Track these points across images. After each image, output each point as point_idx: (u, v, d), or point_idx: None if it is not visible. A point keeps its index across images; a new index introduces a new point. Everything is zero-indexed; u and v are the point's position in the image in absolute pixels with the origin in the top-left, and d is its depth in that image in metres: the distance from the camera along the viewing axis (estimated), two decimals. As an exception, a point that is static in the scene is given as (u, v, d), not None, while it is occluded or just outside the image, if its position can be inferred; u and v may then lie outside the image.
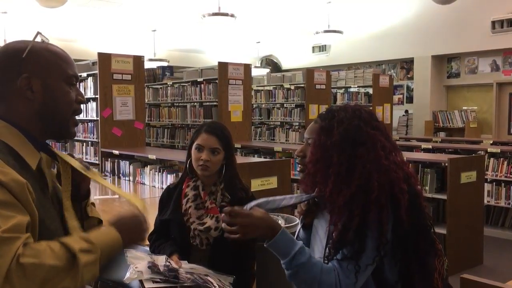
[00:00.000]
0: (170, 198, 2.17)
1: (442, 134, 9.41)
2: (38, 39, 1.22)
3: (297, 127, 7.98)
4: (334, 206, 1.41)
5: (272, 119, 8.62)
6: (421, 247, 1.43)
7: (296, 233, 1.70)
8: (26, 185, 1.05)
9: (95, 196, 4.11)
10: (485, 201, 5.49)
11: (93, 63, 5.94)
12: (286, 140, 7.96)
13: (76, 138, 6.23)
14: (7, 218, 0.98)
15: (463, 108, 9.65)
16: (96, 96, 5.63)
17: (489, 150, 5.94)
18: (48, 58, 1.19)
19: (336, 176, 1.40)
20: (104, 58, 5.57)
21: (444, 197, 4.55)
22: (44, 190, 1.17)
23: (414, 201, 1.44)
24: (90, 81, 5.88)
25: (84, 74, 5.98)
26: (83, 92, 6.00)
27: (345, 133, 1.42)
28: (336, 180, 1.40)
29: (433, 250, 1.48)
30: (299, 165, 1.56)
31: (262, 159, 5.12)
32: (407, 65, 10.42)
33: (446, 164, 4.53)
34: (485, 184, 5.36)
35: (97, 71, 5.58)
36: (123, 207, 3.94)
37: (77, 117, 1.28)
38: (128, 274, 1.72)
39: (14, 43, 1.20)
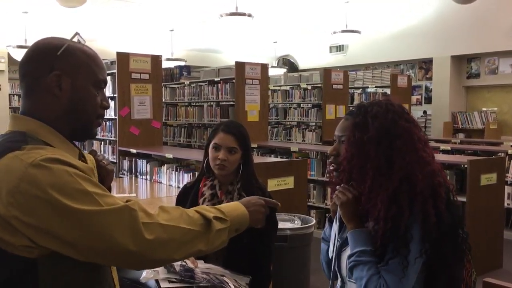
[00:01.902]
0: (187, 197, 2.17)
1: (461, 135, 9.28)
2: (75, 39, 1.23)
3: (313, 127, 7.94)
4: (376, 201, 1.37)
5: (288, 119, 8.60)
6: (450, 255, 1.39)
7: (324, 229, 1.68)
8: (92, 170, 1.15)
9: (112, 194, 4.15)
10: (505, 204, 5.39)
11: (112, 63, 5.99)
12: (302, 140, 7.93)
13: (94, 136, 6.30)
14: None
15: (483, 109, 9.50)
16: (115, 95, 5.68)
17: (509, 152, 5.83)
18: (82, 59, 1.20)
19: (375, 171, 1.38)
20: (123, 58, 5.62)
21: (463, 199, 4.48)
22: None
23: (449, 195, 1.42)
24: (108, 80, 5.92)
25: (103, 73, 6.02)
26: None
27: (381, 127, 1.40)
28: (375, 175, 1.38)
29: (462, 259, 1.43)
30: (332, 164, 1.52)
31: (278, 159, 5.11)
32: (426, 65, 10.30)
33: (466, 166, 4.47)
34: (506, 186, 5.27)
35: (115, 71, 5.63)
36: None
37: None
38: (144, 274, 1.73)
39: (50, 39, 1.20)
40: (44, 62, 1.16)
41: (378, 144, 1.39)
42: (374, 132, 1.40)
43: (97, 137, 6.22)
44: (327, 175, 1.62)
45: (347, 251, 1.48)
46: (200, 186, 2.14)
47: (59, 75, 1.16)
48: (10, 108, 10.66)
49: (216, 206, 1.24)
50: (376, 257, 1.37)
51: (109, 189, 1.36)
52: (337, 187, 1.52)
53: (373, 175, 1.38)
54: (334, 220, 1.59)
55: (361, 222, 1.45)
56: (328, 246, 1.62)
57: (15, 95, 11.48)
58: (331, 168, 1.53)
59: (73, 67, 1.18)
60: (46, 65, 1.15)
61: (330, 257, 1.57)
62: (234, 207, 1.28)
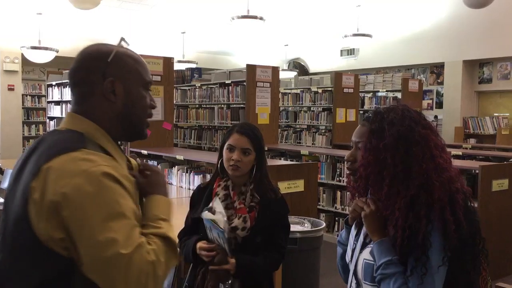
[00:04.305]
0: (201, 197, 2.19)
1: (472, 141, 9.22)
2: (122, 43, 1.29)
3: (323, 131, 7.94)
4: (393, 208, 1.38)
5: (298, 122, 8.60)
6: (468, 262, 1.38)
7: (340, 233, 1.69)
8: (134, 182, 1.17)
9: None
10: (517, 210, 5.34)
11: (124, 64, 6.04)
12: (312, 144, 7.92)
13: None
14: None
15: (495, 114, 9.43)
16: (126, 97, 5.72)
17: (522, 158, 5.78)
18: (130, 63, 1.25)
19: (392, 178, 1.38)
20: (135, 59, 5.66)
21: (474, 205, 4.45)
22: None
23: (466, 201, 1.41)
24: (120, 81, 5.98)
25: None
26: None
27: (398, 134, 1.40)
28: (392, 182, 1.38)
29: (477, 266, 1.43)
30: (348, 170, 1.53)
31: (289, 162, 5.11)
32: (437, 69, 10.25)
33: (477, 171, 4.44)
34: (517, 192, 5.22)
35: (127, 72, 5.67)
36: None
37: None
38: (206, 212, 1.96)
39: (98, 46, 1.25)
40: (96, 70, 1.21)
41: (394, 151, 1.39)
42: (391, 139, 1.40)
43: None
44: (346, 179, 1.62)
45: (362, 254, 1.49)
46: (214, 186, 2.16)
47: (113, 81, 1.21)
48: (23, 108, 10.78)
49: (155, 214, 1.20)
50: (401, 266, 1.37)
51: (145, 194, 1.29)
52: (357, 197, 1.52)
53: (389, 182, 1.38)
54: (353, 226, 1.59)
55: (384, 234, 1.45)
56: (344, 250, 1.63)
57: (28, 96, 11.61)
58: (348, 173, 1.54)
59: (124, 72, 1.24)
60: (98, 72, 1.20)
61: (348, 261, 1.58)
62: (161, 203, 1.25)
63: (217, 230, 1.93)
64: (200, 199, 2.19)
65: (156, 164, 5.26)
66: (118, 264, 1.03)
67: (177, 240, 1.20)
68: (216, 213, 1.94)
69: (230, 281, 1.97)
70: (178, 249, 1.21)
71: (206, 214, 1.95)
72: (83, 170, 1.06)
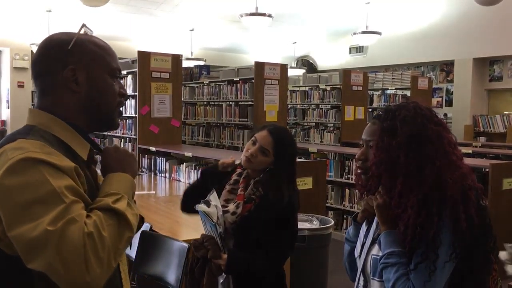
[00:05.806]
0: (221, 176, 2.22)
1: (482, 139, 9.14)
2: (82, 31, 1.22)
3: (332, 129, 7.91)
4: (406, 206, 1.37)
5: (307, 119, 8.58)
6: (478, 260, 1.37)
7: (348, 230, 1.68)
8: (75, 168, 1.07)
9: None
10: (528, 209, 5.29)
11: (133, 61, 6.05)
12: (320, 141, 7.90)
13: (114, 134, 6.38)
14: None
15: (505, 112, 9.34)
16: (135, 94, 5.74)
17: (532, 156, 5.72)
18: (93, 50, 1.19)
19: (405, 176, 1.37)
20: (144, 57, 5.67)
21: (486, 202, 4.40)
22: (94, 178, 1.21)
23: (478, 198, 1.40)
24: (129, 79, 6.00)
25: (124, 72, 6.09)
26: (122, 89, 6.14)
27: (410, 132, 1.38)
28: (406, 180, 1.37)
29: (488, 266, 1.41)
30: (359, 169, 1.51)
31: (297, 159, 5.10)
32: (447, 67, 10.18)
33: (488, 170, 4.40)
34: (528, 191, 5.17)
35: (136, 69, 5.69)
36: (158, 203, 4.00)
37: None
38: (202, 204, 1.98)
39: (58, 35, 1.20)
40: (56, 59, 1.15)
41: (407, 149, 1.37)
42: (403, 137, 1.38)
43: (117, 134, 6.32)
44: (355, 178, 1.60)
45: (371, 250, 1.48)
46: (234, 173, 2.19)
47: (73, 69, 1.15)
48: (32, 105, 10.84)
49: (106, 189, 1.13)
50: (405, 258, 1.36)
51: (106, 170, 1.20)
52: (365, 195, 1.51)
53: (403, 180, 1.37)
54: (364, 223, 1.58)
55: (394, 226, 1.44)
56: (352, 247, 1.62)
57: (37, 93, 11.67)
58: (359, 172, 1.52)
59: (86, 59, 1.17)
60: (59, 62, 1.15)
61: (356, 256, 1.57)
62: (117, 180, 1.16)
63: (210, 223, 1.94)
64: (220, 178, 2.20)
65: (164, 161, 5.28)
66: (47, 241, 0.96)
67: (128, 213, 1.08)
68: (211, 206, 1.94)
69: (224, 277, 1.97)
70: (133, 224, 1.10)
71: (200, 207, 1.94)
72: (9, 159, 1.02)
